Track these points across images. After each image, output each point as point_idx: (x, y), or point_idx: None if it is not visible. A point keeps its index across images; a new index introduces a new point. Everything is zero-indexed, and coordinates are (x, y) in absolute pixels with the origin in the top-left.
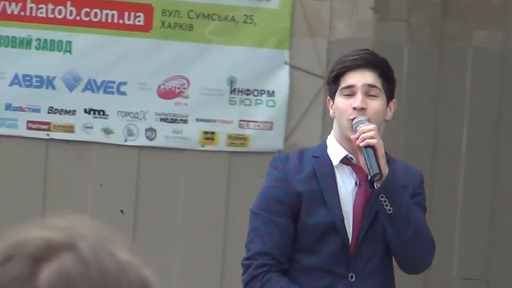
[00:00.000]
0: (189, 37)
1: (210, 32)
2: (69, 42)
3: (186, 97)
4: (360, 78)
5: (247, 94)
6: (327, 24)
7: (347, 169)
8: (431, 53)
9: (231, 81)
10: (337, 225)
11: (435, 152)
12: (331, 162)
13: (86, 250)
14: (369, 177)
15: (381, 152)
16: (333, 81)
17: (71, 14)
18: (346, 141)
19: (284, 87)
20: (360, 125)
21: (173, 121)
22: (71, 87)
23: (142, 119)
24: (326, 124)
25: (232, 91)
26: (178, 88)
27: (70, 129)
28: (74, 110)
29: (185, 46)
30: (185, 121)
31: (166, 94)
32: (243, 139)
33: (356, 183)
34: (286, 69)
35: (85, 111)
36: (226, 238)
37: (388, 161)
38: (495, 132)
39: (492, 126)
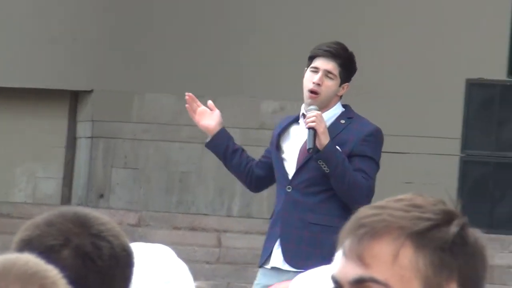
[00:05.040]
0: None
1: None
2: None
3: None
4: (324, 64)
5: None
6: None
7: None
8: None
9: None
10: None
11: None
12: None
13: None
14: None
15: (320, 130)
16: (309, 58)
17: None
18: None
19: None
20: (308, 113)
21: None
22: None
23: None
24: None
25: None
26: None
27: None
28: None
29: None
30: None
31: None
32: None
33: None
34: None
35: None
36: None
37: (352, 118)
38: None
39: None
